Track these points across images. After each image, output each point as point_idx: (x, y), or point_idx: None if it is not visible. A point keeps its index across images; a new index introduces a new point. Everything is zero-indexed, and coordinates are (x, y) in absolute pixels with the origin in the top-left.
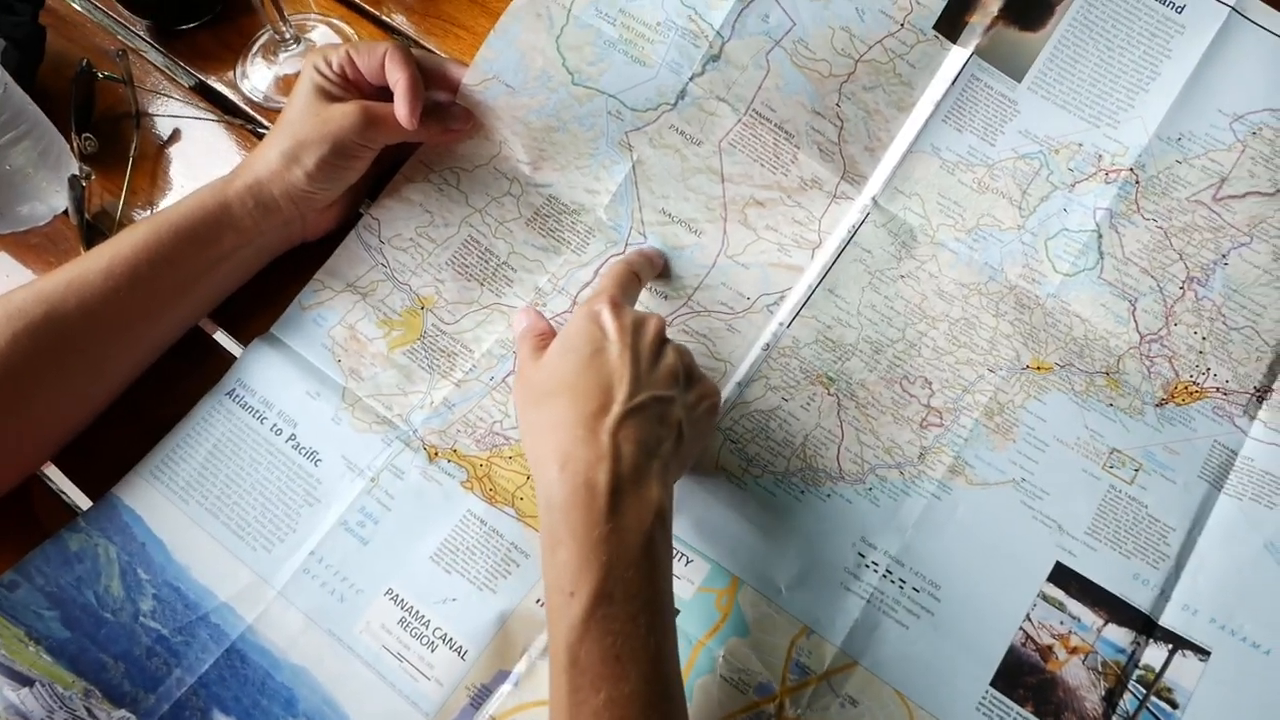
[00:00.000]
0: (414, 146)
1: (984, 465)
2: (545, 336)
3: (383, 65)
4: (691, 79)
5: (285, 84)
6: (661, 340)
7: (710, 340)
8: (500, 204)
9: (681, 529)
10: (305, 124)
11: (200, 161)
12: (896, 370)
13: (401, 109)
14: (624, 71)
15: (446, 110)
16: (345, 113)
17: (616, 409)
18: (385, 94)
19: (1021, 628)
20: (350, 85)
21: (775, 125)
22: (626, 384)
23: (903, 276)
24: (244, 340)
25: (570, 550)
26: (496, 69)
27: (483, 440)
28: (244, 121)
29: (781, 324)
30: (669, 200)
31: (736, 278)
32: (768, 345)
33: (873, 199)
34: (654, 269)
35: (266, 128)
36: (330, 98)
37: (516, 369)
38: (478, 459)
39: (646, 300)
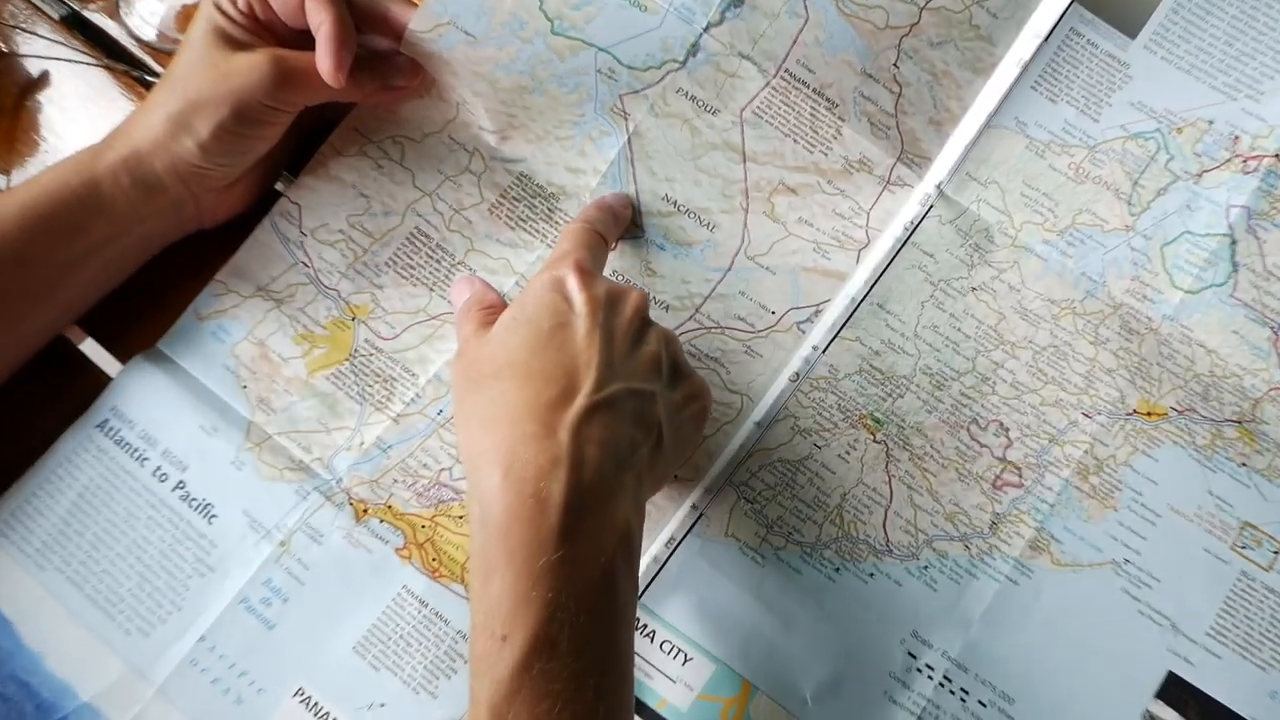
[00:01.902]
0: (345, 109)
1: (1075, 540)
2: (494, 310)
3: (303, 2)
4: (706, 29)
5: (185, 18)
6: (643, 320)
7: (722, 366)
8: (456, 185)
9: (678, 615)
10: (199, 79)
11: (72, 120)
12: (963, 412)
13: (325, 61)
14: (619, 18)
15: (387, 62)
16: (252, 65)
17: (580, 401)
18: (307, 40)
19: None
20: (261, 28)
21: (814, 90)
22: (595, 370)
23: (974, 289)
24: (121, 357)
25: (506, 581)
26: (453, 11)
27: (426, 494)
28: (129, 67)
29: (816, 348)
30: (675, 184)
31: (759, 285)
32: (797, 375)
33: (937, 187)
34: (620, 223)
35: (159, 76)
36: (233, 44)
37: (457, 350)
38: (419, 518)
39: None
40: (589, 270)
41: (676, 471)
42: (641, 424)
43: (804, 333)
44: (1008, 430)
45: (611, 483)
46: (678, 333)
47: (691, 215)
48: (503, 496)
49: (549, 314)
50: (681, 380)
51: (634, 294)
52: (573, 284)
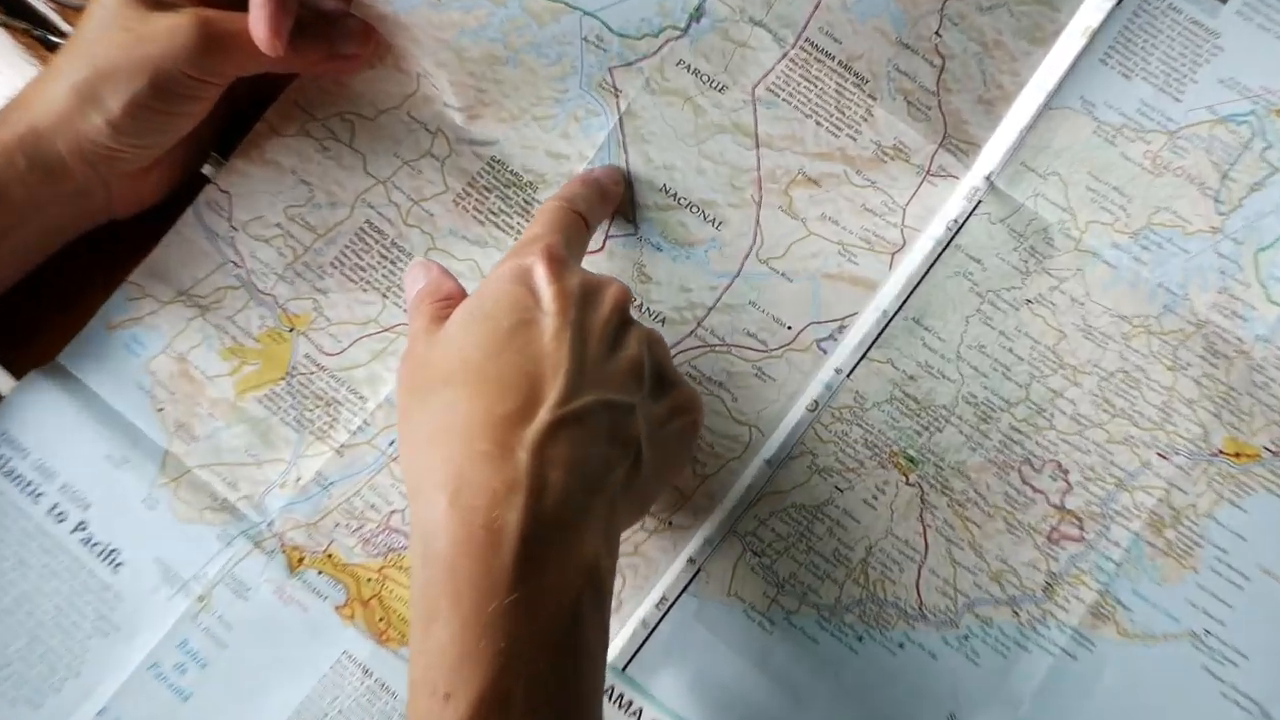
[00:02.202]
0: (286, 81)
1: (1146, 607)
2: (450, 302)
3: None
4: None
5: None
6: (622, 319)
7: (727, 391)
8: (416, 171)
9: (670, 690)
10: (110, 43)
11: None
12: (1014, 449)
13: (260, 25)
14: None
15: (335, 26)
16: (174, 27)
17: (544, 414)
18: None
19: None
20: None
21: (840, 63)
22: (563, 377)
23: (1029, 301)
24: (15, 372)
25: (452, 628)
26: None
27: (374, 541)
28: (30, 25)
29: (839, 370)
30: (674, 172)
31: (773, 294)
32: (816, 403)
33: (987, 179)
34: (608, 203)
35: (65, 38)
36: (152, 2)
37: (405, 349)
38: (365, 570)
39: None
40: (561, 258)
41: (658, 499)
42: (617, 441)
43: (825, 352)
44: (1067, 473)
45: (578, 511)
46: (675, 350)
47: (694, 210)
48: (449, 527)
49: (510, 309)
50: (667, 390)
51: (612, 287)
52: (540, 274)
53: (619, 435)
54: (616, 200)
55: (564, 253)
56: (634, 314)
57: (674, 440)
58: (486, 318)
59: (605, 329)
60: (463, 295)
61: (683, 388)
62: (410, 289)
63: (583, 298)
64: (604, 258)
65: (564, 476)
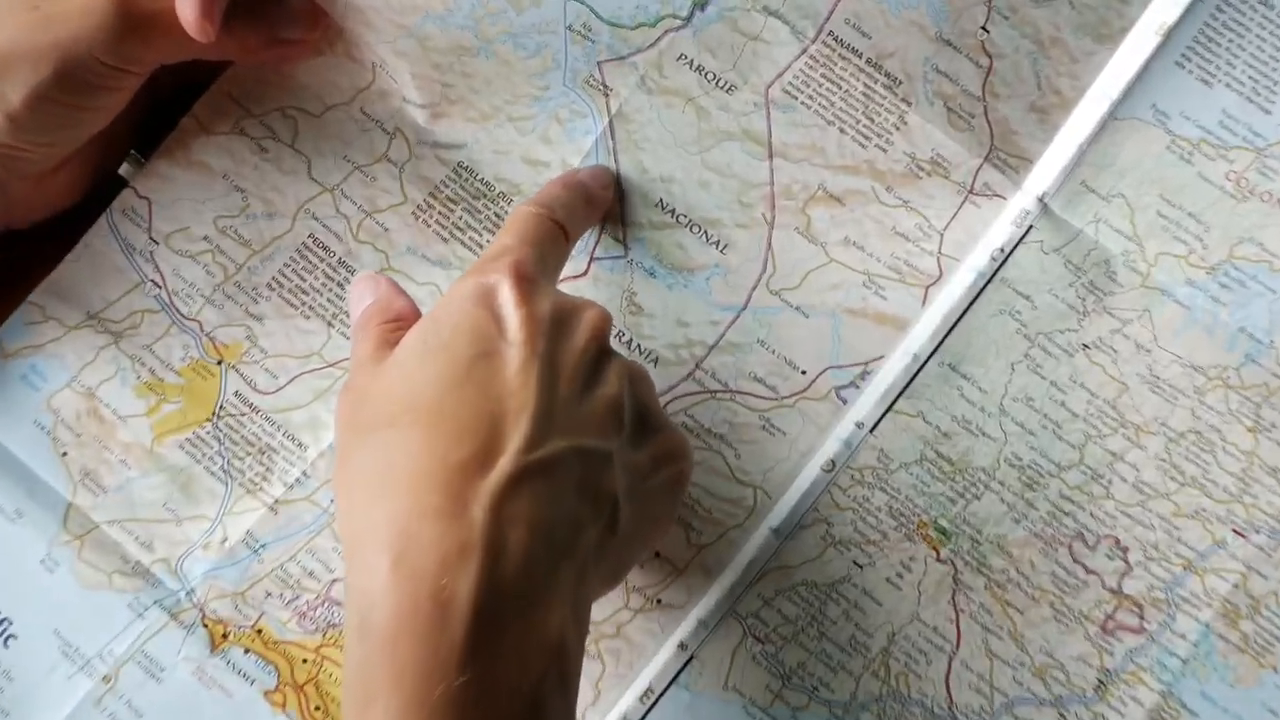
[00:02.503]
0: (218, 69)
1: (1216, 712)
2: (401, 324)
3: None
4: None
5: None
6: (600, 350)
7: (729, 446)
8: (369, 178)
9: None
10: (10, 25)
11: None
12: (1064, 522)
13: (189, 5)
14: None
15: (278, 6)
16: (86, 6)
17: (505, 463)
18: None
19: None
20: None
21: (869, 61)
22: (528, 420)
23: (1086, 347)
24: None
25: (391, 714)
26: None
27: (311, 615)
28: None
29: (861, 425)
30: (673, 186)
31: (785, 332)
32: (833, 463)
33: (1040, 200)
34: (594, 211)
35: None
36: None
37: (346, 378)
38: (300, 649)
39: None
40: (532, 277)
41: (637, 564)
42: (590, 496)
43: (845, 402)
44: (1126, 551)
45: (543, 580)
46: (669, 397)
47: (695, 229)
48: (391, 595)
49: (470, 338)
50: (650, 435)
51: (589, 311)
52: (507, 296)
53: (592, 489)
54: (604, 208)
55: (535, 270)
56: (617, 346)
57: (657, 495)
58: (442, 347)
59: (580, 362)
60: (416, 316)
61: (668, 432)
62: (355, 307)
63: (555, 325)
64: (588, 283)
65: (526, 538)
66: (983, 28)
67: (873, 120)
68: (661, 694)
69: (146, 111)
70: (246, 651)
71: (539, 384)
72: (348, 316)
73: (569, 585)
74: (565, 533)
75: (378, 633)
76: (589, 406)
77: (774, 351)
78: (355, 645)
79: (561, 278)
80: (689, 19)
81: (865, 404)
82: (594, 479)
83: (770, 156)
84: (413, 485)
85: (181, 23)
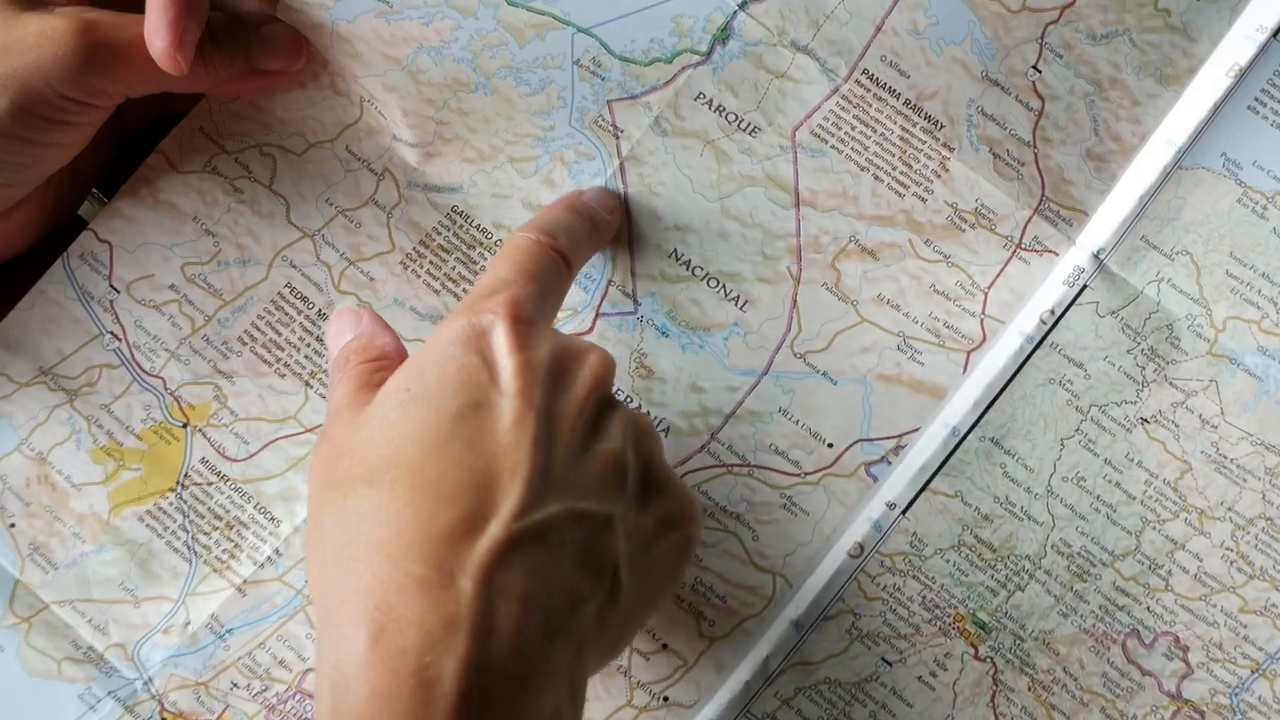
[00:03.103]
0: (189, 102)
1: None
2: (385, 364)
3: None
4: (743, 5)
5: None
6: (601, 401)
7: (748, 527)
8: (354, 224)
9: None
10: None
11: None
12: (1118, 617)
13: (160, 34)
14: None
15: (256, 34)
16: (46, 34)
17: (496, 529)
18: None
19: None
20: None
21: (907, 103)
22: (522, 481)
23: (1145, 421)
24: None
25: None
26: None
27: (282, 708)
28: None
29: (893, 505)
30: (689, 235)
31: (811, 400)
32: (861, 548)
33: (1096, 257)
34: (600, 238)
35: None
36: (24, 1)
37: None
38: None
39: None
40: (529, 318)
41: (640, 632)
42: (589, 566)
43: (876, 480)
44: (1186, 650)
45: (536, 660)
46: (680, 471)
47: (713, 283)
48: (368, 674)
49: (459, 386)
50: (655, 496)
51: (591, 357)
52: (501, 341)
53: (592, 558)
54: (610, 235)
55: (533, 310)
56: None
57: (664, 563)
58: (427, 396)
59: (580, 415)
60: (401, 356)
61: (675, 491)
62: (334, 343)
63: (553, 374)
64: (593, 340)
65: (518, 613)
66: (1034, 67)
67: (911, 166)
68: None
69: (111, 148)
70: None
71: (534, 441)
72: (326, 376)
73: (565, 664)
74: (562, 607)
75: (354, 715)
76: (589, 465)
77: (797, 422)
78: None
79: (568, 335)
80: (709, 54)
81: (898, 482)
82: (594, 546)
83: (797, 205)
84: (393, 552)
85: (151, 53)
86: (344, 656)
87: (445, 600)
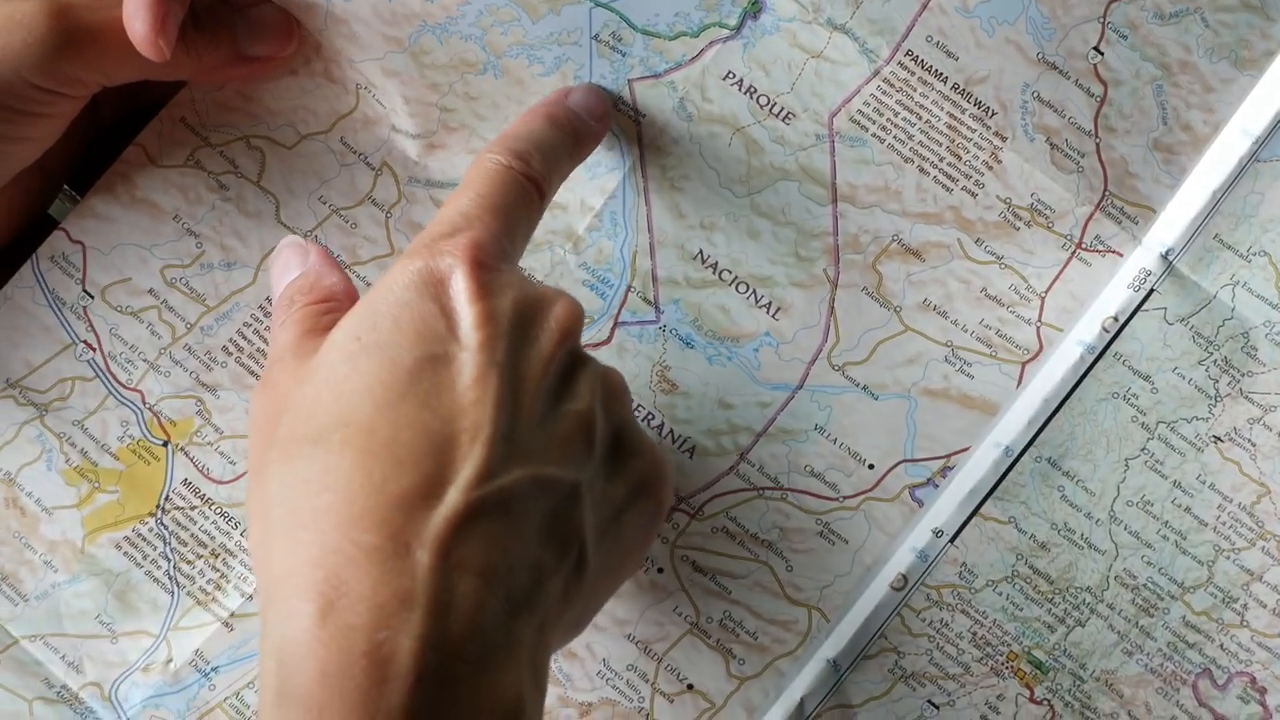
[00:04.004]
0: (170, 91)
1: None
2: (334, 306)
3: None
4: None
5: None
6: (570, 356)
7: (781, 556)
8: (349, 224)
9: None
10: None
11: None
12: (1187, 656)
13: (140, 17)
14: None
15: (243, 16)
16: (16, 19)
17: (455, 496)
18: None
19: None
20: None
21: (955, 87)
22: (484, 444)
23: (1219, 439)
24: None
25: None
26: None
27: None
28: None
29: (940, 532)
30: (715, 234)
31: (850, 417)
32: (905, 579)
33: (1164, 258)
34: (582, 150)
35: None
36: None
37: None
38: None
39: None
40: (490, 264)
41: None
42: (554, 537)
43: (921, 504)
44: (1263, 692)
45: (498, 638)
46: (706, 496)
47: (742, 288)
48: (318, 651)
49: (414, 337)
50: (625, 460)
51: (558, 307)
52: (460, 287)
53: (558, 529)
54: (595, 146)
55: (498, 252)
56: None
57: (631, 532)
58: (380, 347)
59: (546, 373)
60: (353, 297)
61: (644, 453)
62: (277, 281)
63: (517, 325)
64: (611, 353)
65: (479, 588)
66: (1095, 49)
67: (959, 158)
68: None
69: (85, 141)
70: None
71: (497, 400)
72: None
73: (527, 642)
74: (524, 581)
75: (302, 697)
76: (555, 427)
77: (835, 441)
78: (272, 710)
79: (582, 344)
80: (739, 28)
81: (945, 507)
82: (559, 516)
83: (834, 200)
84: (343, 520)
85: (130, 38)
86: (290, 634)
87: (400, 573)
